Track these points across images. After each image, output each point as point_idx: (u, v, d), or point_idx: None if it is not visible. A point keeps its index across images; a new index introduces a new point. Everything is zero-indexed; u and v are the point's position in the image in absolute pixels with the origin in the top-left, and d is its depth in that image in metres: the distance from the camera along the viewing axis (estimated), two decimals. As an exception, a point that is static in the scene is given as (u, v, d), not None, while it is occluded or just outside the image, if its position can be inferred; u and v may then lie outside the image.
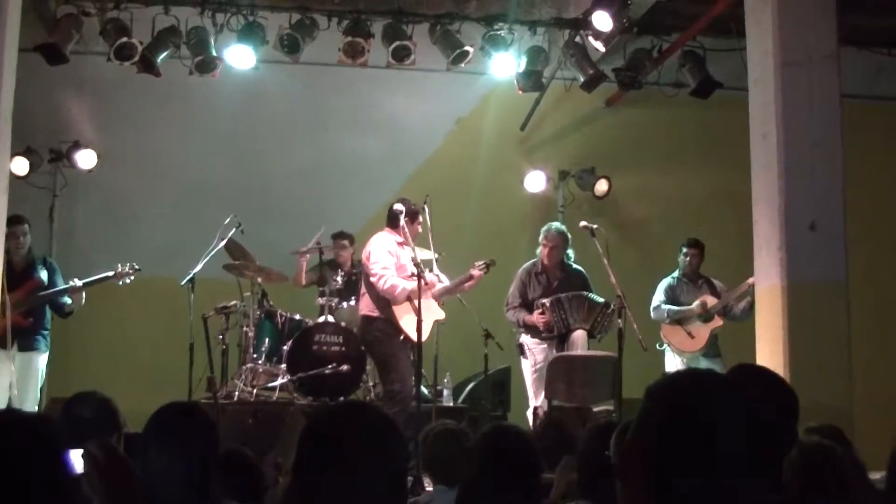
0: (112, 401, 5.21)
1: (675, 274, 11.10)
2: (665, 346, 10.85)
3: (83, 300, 9.70)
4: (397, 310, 9.39)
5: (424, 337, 9.07)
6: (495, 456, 3.96)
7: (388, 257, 9.47)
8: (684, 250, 10.96)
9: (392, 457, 2.67)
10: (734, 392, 2.30)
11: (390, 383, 9.51)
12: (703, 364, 10.40)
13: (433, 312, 9.33)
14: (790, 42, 8.09)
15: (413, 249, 9.34)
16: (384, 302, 9.43)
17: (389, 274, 9.39)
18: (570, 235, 10.40)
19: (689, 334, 10.74)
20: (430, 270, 9.64)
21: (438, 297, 9.64)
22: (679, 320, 10.79)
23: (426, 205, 9.49)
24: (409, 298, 9.30)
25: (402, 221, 9.48)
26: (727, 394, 2.28)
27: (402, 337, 9.40)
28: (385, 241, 9.59)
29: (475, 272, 9.62)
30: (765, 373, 3.74)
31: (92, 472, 2.66)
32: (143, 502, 2.71)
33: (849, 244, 8.16)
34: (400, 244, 9.54)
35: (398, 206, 9.54)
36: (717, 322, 10.58)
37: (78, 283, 9.57)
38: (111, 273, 9.82)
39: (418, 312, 8.72)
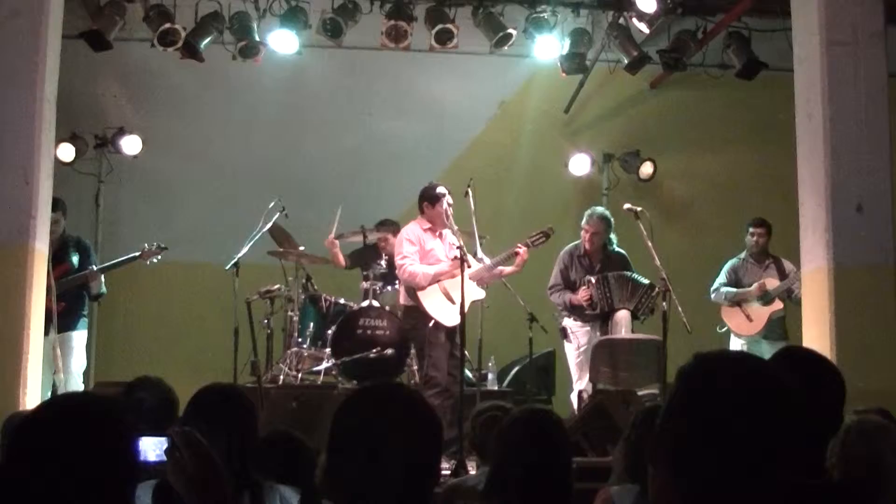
0: (173, 391, 5.24)
1: (742, 254, 10.97)
2: (724, 328, 10.79)
3: (102, 285, 9.70)
4: (423, 296, 9.45)
5: (458, 320, 9.00)
6: (525, 439, 3.94)
7: (408, 246, 9.56)
8: (750, 230, 10.82)
9: (421, 438, 2.66)
10: (762, 375, 2.27)
11: (426, 369, 9.56)
12: (765, 347, 10.32)
13: (470, 294, 9.25)
14: (836, 21, 7.98)
15: (453, 231, 9.32)
16: (412, 291, 9.52)
17: (408, 262, 9.47)
18: (612, 220, 10.34)
19: (748, 317, 10.64)
20: (475, 255, 9.60)
21: (480, 278, 9.58)
22: (738, 302, 10.71)
23: (469, 188, 9.44)
24: (436, 281, 9.38)
25: (423, 206, 9.59)
26: (753, 376, 2.25)
27: (431, 323, 9.42)
28: (408, 230, 9.70)
29: (520, 249, 9.55)
30: (811, 355, 3.70)
31: (174, 462, 2.66)
32: (225, 490, 2.71)
33: (896, 226, 8.08)
34: (427, 230, 9.61)
35: (420, 192, 9.66)
36: (777, 305, 10.39)
37: (93, 268, 9.58)
38: (137, 253, 9.83)
39: (462, 294, 8.69)
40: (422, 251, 9.53)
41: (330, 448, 2.66)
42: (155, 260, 9.91)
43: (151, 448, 2.71)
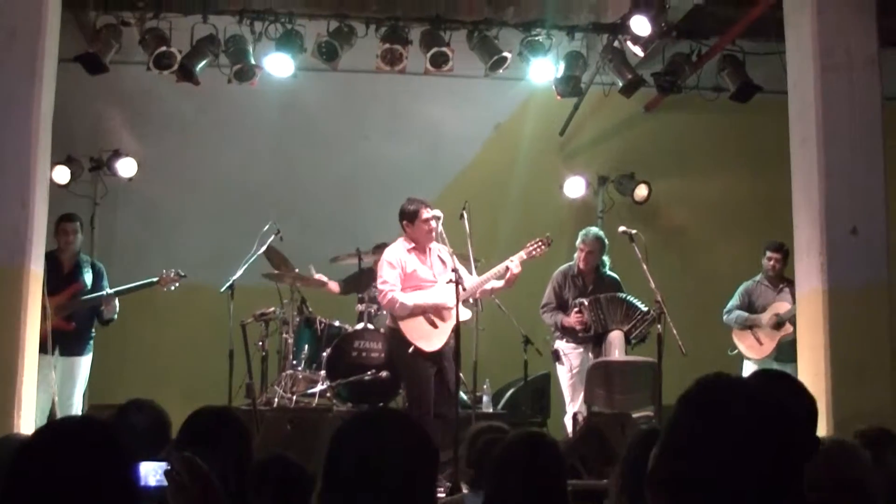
0: (166, 413, 5.22)
1: (757, 277, 10.96)
2: (735, 350, 10.80)
3: (116, 309, 9.73)
4: (403, 323, 9.22)
5: (440, 345, 9.03)
6: (521, 463, 3.93)
7: (387, 270, 9.30)
8: (767, 254, 10.78)
9: (418, 466, 2.65)
10: (759, 401, 2.27)
11: (407, 393, 9.58)
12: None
13: (447, 318, 9.07)
14: (830, 45, 8.02)
15: (449, 253, 9.15)
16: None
17: (387, 288, 9.23)
18: (607, 241, 10.36)
19: (758, 340, 10.64)
20: (469, 273, 9.53)
21: (471, 294, 9.42)
22: (749, 325, 10.71)
23: (465, 211, 9.39)
24: (416, 311, 9.15)
25: (404, 225, 9.35)
26: (751, 403, 2.26)
27: (411, 349, 9.15)
28: (390, 252, 9.43)
29: (512, 264, 9.27)
30: (785, 378, 3.72)
31: (173, 486, 2.66)
32: None
33: (891, 248, 8.08)
34: (412, 250, 9.34)
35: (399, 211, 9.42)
36: (788, 329, 10.25)
37: (109, 291, 9.60)
38: (156, 279, 9.86)
39: (457, 318, 8.64)
40: (403, 274, 9.26)
41: (325, 475, 2.66)
42: (173, 287, 9.95)
43: (151, 472, 2.71)
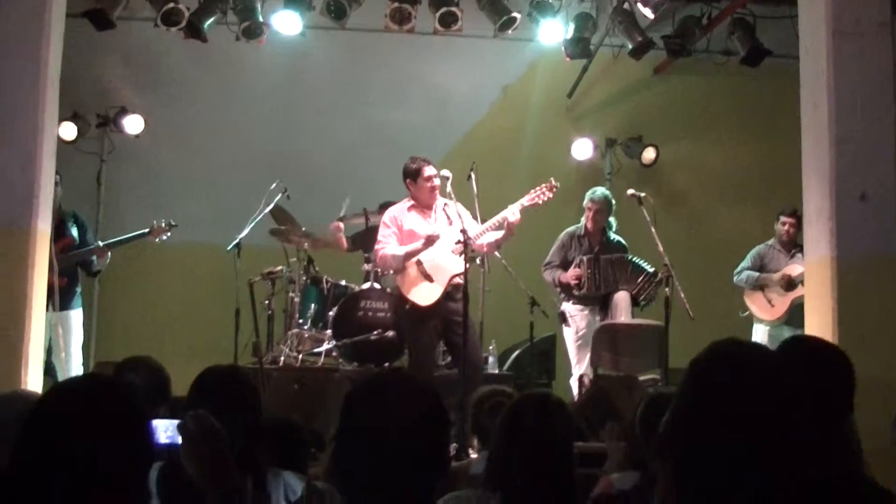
0: (164, 369, 5.21)
1: (770, 241, 10.96)
2: (746, 312, 10.78)
3: (108, 260, 9.62)
4: (399, 278, 9.20)
5: (435, 298, 8.94)
6: (528, 422, 3.92)
7: (383, 229, 9.31)
8: (781, 219, 10.80)
9: (430, 431, 2.65)
10: (768, 368, 2.26)
11: (409, 355, 9.59)
12: (786, 333, 10.21)
13: (450, 266, 9.00)
14: (842, 10, 7.94)
15: (457, 213, 9.00)
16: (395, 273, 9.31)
17: (379, 247, 9.27)
18: (614, 202, 10.34)
19: (769, 302, 10.64)
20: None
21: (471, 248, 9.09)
22: (761, 287, 10.70)
23: (472, 172, 9.34)
24: (409, 259, 9.06)
25: (407, 183, 9.31)
26: (760, 369, 2.25)
27: (407, 306, 9.12)
28: (388, 212, 9.43)
29: (510, 212, 9.01)
30: (820, 344, 3.68)
31: (186, 444, 2.66)
32: (235, 475, 2.71)
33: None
34: (412, 208, 9.30)
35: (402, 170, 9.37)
36: (800, 291, 9.99)
37: (100, 243, 9.52)
38: (147, 230, 9.78)
39: (465, 279, 8.61)
40: (399, 233, 9.24)
41: (338, 438, 2.65)
42: (164, 237, 9.87)
43: (162, 430, 2.70)
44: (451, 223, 9.02)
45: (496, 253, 9.64)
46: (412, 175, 9.22)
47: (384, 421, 2.58)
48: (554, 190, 9.30)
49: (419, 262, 9.07)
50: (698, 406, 2.23)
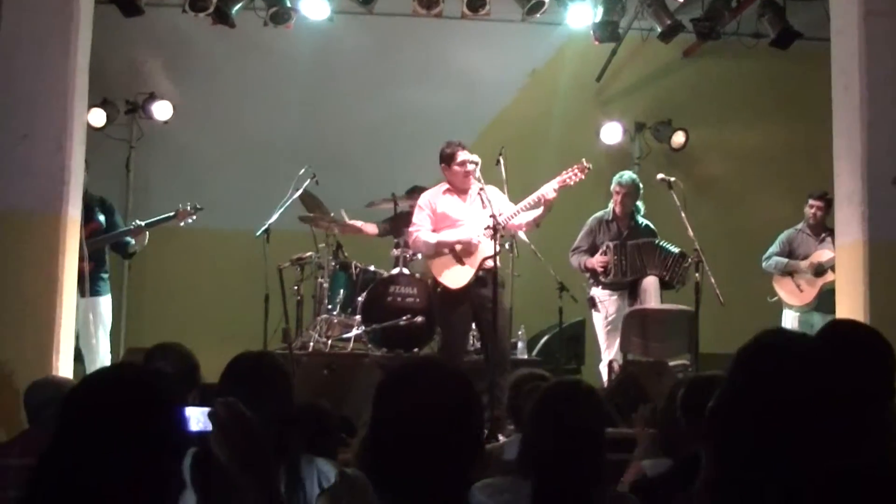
0: (193, 356, 5.22)
1: (799, 225, 10.86)
2: (775, 298, 10.74)
3: (146, 240, 9.63)
4: (430, 260, 9.23)
5: (465, 282, 8.95)
6: (560, 410, 3.91)
7: (417, 213, 9.36)
8: (809, 202, 10.67)
9: (462, 413, 2.64)
10: (813, 357, 2.25)
11: (440, 336, 9.66)
12: (817, 319, 10.27)
13: (477, 254, 8.99)
14: (874, -9, 7.90)
15: (484, 200, 8.99)
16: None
17: (413, 230, 9.32)
18: (641, 186, 10.30)
19: (798, 287, 10.57)
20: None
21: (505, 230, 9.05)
22: (790, 272, 10.64)
23: (501, 157, 9.33)
24: (441, 249, 9.11)
25: (442, 168, 9.30)
26: (805, 358, 2.24)
27: (439, 289, 9.18)
28: (423, 196, 9.47)
29: (546, 191, 8.98)
30: (860, 328, 3.64)
31: (217, 431, 2.66)
32: (268, 461, 2.72)
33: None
34: (447, 192, 9.30)
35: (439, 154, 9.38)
36: (830, 277, 10.00)
37: (140, 223, 9.53)
38: (173, 213, 9.79)
39: (494, 265, 8.61)
40: (433, 216, 9.25)
41: (371, 426, 2.65)
42: (190, 220, 9.85)
43: (195, 418, 2.70)
44: (484, 207, 8.98)
45: (524, 237, 9.58)
46: (447, 159, 9.22)
47: (416, 409, 2.57)
48: (586, 171, 9.25)
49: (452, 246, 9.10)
50: (744, 393, 2.23)
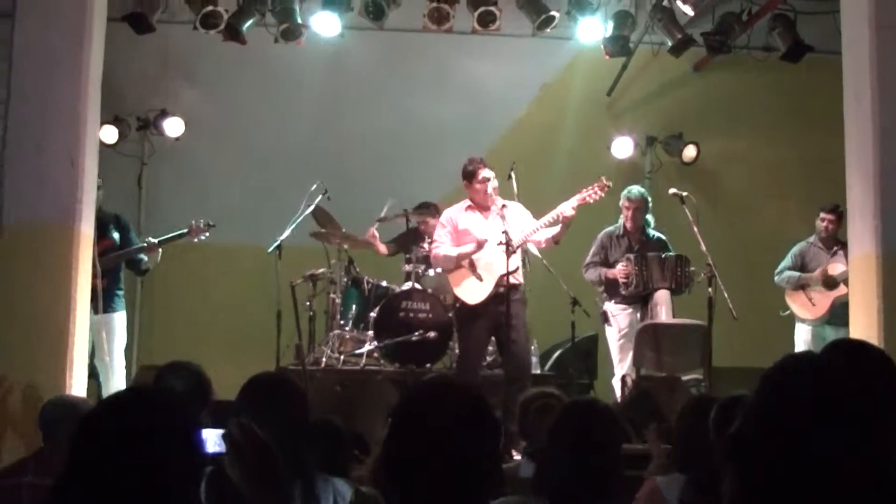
0: (204, 374, 5.22)
1: (811, 238, 10.83)
2: (787, 311, 10.70)
3: (159, 257, 9.65)
4: (450, 276, 9.36)
5: (481, 298, 9.04)
6: (576, 431, 3.90)
7: (439, 229, 9.49)
8: (821, 215, 10.65)
9: (480, 434, 2.64)
10: (839, 380, 2.24)
11: (459, 349, 9.68)
12: (829, 332, 10.28)
13: (495, 271, 9.07)
14: (885, 3, 7.87)
15: (498, 213, 9.02)
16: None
17: (434, 246, 9.47)
18: (650, 200, 10.31)
19: (811, 301, 10.53)
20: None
21: (520, 246, 9.14)
22: (802, 286, 10.60)
23: (513, 171, 9.37)
24: (461, 261, 9.21)
25: (464, 184, 9.39)
26: (832, 381, 2.23)
27: (457, 304, 9.40)
28: (445, 212, 9.58)
29: (565, 208, 9.06)
30: (865, 348, 3.61)
31: (231, 452, 2.67)
32: (281, 483, 2.71)
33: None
34: (469, 208, 9.37)
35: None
36: (842, 290, 9.94)
37: (153, 240, 9.54)
38: (185, 230, 9.79)
39: (507, 281, 8.63)
40: (455, 232, 9.35)
41: (387, 447, 2.65)
42: (203, 237, 9.85)
43: (212, 440, 2.71)
44: (504, 223, 9.00)
45: (535, 252, 9.57)
46: (468, 176, 9.32)
47: (433, 431, 2.57)
48: (606, 189, 9.30)
49: (471, 262, 9.17)
50: (769, 418, 2.22)
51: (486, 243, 9.07)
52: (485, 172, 9.20)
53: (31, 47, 7.50)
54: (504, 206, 9.12)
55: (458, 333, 9.60)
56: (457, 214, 9.40)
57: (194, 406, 4.77)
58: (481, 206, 9.30)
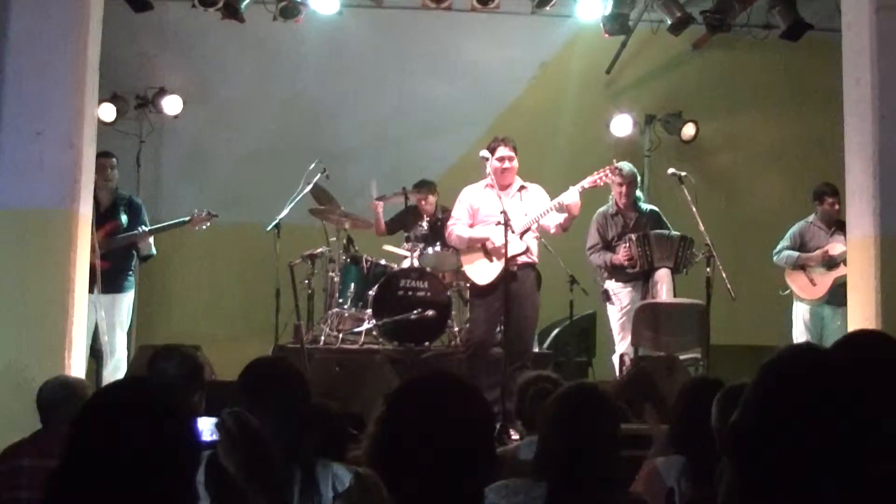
0: (198, 357, 5.22)
1: (810, 218, 10.78)
2: (787, 291, 10.70)
3: (152, 246, 9.66)
4: (462, 253, 9.39)
5: (489, 280, 9.04)
6: (573, 418, 3.91)
7: (457, 207, 9.47)
8: (828, 199, 10.56)
9: (474, 427, 2.64)
10: (840, 371, 2.25)
11: (469, 326, 9.67)
12: (828, 312, 10.36)
13: (511, 249, 8.94)
14: (886, -18, 7.85)
15: (498, 195, 9.03)
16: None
17: (451, 222, 9.46)
18: (638, 176, 10.29)
19: (811, 281, 10.52)
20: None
21: (524, 232, 9.12)
22: (802, 266, 10.60)
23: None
24: (473, 244, 9.23)
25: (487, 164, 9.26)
26: (831, 373, 2.23)
27: (467, 283, 9.54)
28: (464, 190, 9.52)
29: (568, 196, 8.94)
30: (881, 340, 3.58)
31: (225, 441, 2.67)
32: (276, 472, 2.72)
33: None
34: (488, 186, 9.28)
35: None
36: (842, 270, 9.84)
37: (143, 229, 9.54)
38: (187, 218, 9.79)
39: (505, 257, 8.64)
40: (471, 209, 9.34)
41: (379, 440, 2.64)
42: (204, 227, 9.87)
43: (207, 428, 2.72)
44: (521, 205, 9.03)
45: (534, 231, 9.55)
46: (491, 151, 9.26)
47: (427, 425, 2.57)
48: (616, 172, 9.34)
49: (483, 244, 9.17)
50: (769, 409, 2.22)
51: (497, 234, 9.03)
52: (501, 150, 9.18)
53: (29, 27, 7.46)
54: (522, 186, 9.13)
55: (470, 310, 9.62)
56: (474, 192, 9.39)
57: (188, 390, 4.78)
58: (501, 185, 9.24)
